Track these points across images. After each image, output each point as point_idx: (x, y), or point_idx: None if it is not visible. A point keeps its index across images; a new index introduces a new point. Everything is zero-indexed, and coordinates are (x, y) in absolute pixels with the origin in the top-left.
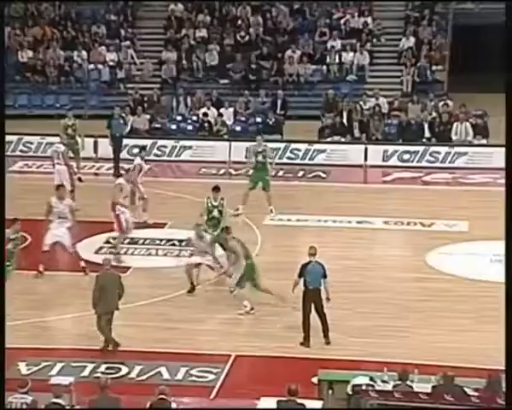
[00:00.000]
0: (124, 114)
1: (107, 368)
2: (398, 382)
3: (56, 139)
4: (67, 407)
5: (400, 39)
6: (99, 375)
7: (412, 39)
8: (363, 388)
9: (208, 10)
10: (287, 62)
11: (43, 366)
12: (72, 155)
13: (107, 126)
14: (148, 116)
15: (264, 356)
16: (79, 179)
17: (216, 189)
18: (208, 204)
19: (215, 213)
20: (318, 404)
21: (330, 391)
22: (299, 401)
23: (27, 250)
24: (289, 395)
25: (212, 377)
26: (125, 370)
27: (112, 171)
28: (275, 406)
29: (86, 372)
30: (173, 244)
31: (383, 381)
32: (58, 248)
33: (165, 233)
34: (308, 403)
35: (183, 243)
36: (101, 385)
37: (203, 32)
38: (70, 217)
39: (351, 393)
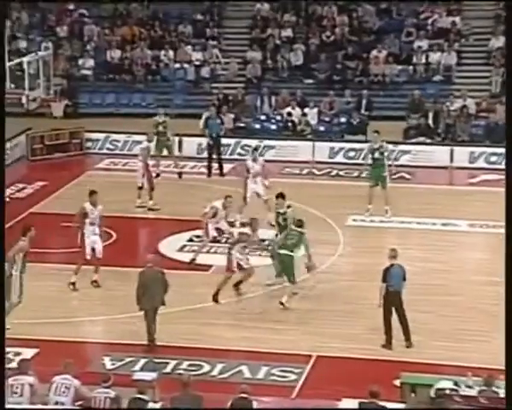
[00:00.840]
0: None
1: (190, 365)
2: (484, 387)
3: (143, 138)
4: (151, 403)
5: (490, 39)
6: (181, 372)
7: (502, 39)
8: (447, 392)
9: (294, 10)
10: (372, 62)
11: (127, 361)
12: (166, 153)
13: (204, 126)
14: (232, 115)
15: (345, 357)
16: (179, 175)
17: (280, 196)
18: (275, 211)
19: (280, 220)
20: (400, 407)
21: (413, 394)
22: (380, 403)
23: (112, 247)
24: (371, 397)
25: (293, 377)
26: (206, 367)
27: (206, 170)
28: (356, 407)
29: (169, 369)
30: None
31: (467, 386)
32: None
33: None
34: (390, 406)
35: (266, 243)
36: (183, 382)
37: (288, 32)
38: (99, 223)
39: (434, 397)
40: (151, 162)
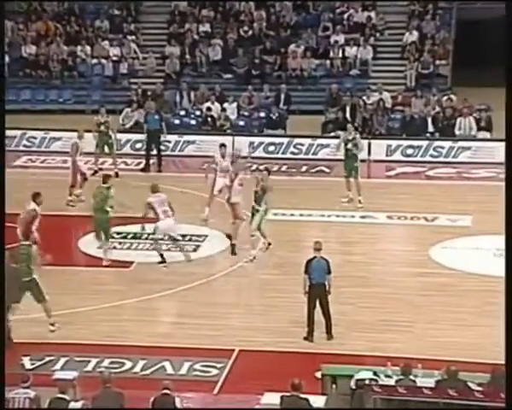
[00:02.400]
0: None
1: (111, 363)
2: (402, 376)
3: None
4: (72, 402)
5: (404, 34)
6: (102, 370)
7: (416, 34)
8: (367, 382)
9: (211, 5)
10: (290, 57)
11: (47, 360)
12: (107, 150)
13: (144, 121)
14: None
15: (267, 351)
16: (116, 175)
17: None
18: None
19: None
20: (322, 399)
21: (334, 386)
22: (302, 395)
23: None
24: (293, 389)
25: (215, 371)
26: (128, 364)
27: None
28: (278, 400)
29: (90, 367)
30: (174, 239)
31: (387, 376)
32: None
33: None
34: (312, 398)
35: (186, 238)
36: (104, 380)
37: (206, 27)
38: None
39: (354, 388)
40: (82, 159)
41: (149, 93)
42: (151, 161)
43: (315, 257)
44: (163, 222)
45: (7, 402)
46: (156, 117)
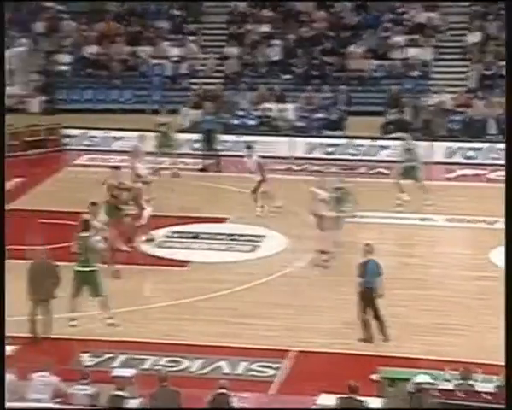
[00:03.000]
0: (185, 111)
1: (168, 361)
2: (461, 381)
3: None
4: (130, 399)
5: (465, 34)
6: (160, 368)
7: (478, 34)
8: (425, 386)
9: (272, 5)
10: (350, 58)
11: (106, 357)
12: (167, 150)
13: (200, 122)
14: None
15: (324, 352)
16: (176, 175)
17: None
18: None
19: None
20: (378, 401)
21: (391, 389)
22: (359, 398)
23: None
24: (349, 391)
25: (271, 372)
26: (185, 363)
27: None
28: (334, 402)
29: (147, 365)
30: (234, 239)
31: (445, 380)
32: None
33: (226, 228)
34: (368, 401)
35: (244, 238)
36: (161, 378)
37: (266, 27)
38: None
39: (412, 391)
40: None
41: (208, 94)
42: (209, 161)
43: (368, 260)
44: None
45: (67, 398)
46: (212, 117)
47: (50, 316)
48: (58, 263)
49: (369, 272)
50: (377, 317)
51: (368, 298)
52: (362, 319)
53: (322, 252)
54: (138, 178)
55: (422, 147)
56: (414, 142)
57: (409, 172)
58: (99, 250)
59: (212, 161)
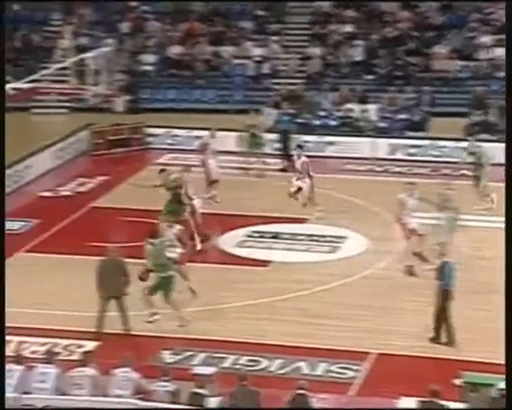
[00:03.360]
0: (265, 112)
1: (248, 360)
2: None
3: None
4: (209, 398)
5: None
6: (239, 367)
7: None
8: None
9: (355, 6)
10: (435, 58)
11: (186, 355)
12: (255, 150)
13: (276, 122)
14: (292, 111)
15: (404, 355)
16: (261, 175)
17: None
18: None
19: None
20: (459, 406)
21: (473, 394)
22: (440, 402)
23: None
24: (431, 395)
25: (351, 373)
26: (265, 363)
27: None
28: (415, 405)
29: (227, 364)
30: (314, 240)
31: None
32: None
33: (307, 228)
34: (450, 405)
35: (324, 239)
36: (241, 377)
37: (349, 28)
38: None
39: (495, 396)
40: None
41: (289, 94)
42: (288, 162)
43: (446, 262)
44: None
45: (148, 394)
46: (287, 118)
47: (126, 313)
48: (136, 260)
49: (445, 275)
50: (446, 320)
51: (445, 300)
52: (440, 322)
53: (420, 258)
54: (209, 176)
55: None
56: (479, 144)
57: (474, 175)
58: (168, 258)
59: (289, 162)
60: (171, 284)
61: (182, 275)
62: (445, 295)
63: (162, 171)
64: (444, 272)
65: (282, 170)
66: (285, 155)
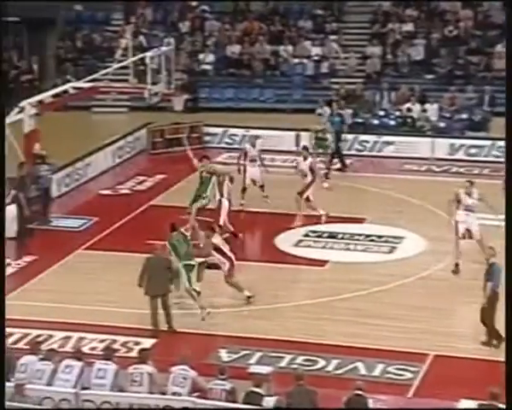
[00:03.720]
0: (321, 111)
1: (305, 360)
2: None
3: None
4: (266, 397)
5: None
6: (296, 366)
7: None
8: None
9: (416, 4)
10: (496, 57)
11: (243, 354)
12: (321, 150)
13: (329, 122)
14: (350, 111)
15: (462, 357)
16: (326, 176)
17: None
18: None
19: None
20: None
21: None
22: (501, 405)
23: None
24: (491, 398)
25: (409, 375)
26: (321, 363)
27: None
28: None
29: (284, 363)
30: (372, 240)
31: None
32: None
33: (365, 228)
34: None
35: (382, 239)
36: (298, 377)
37: (410, 27)
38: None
39: None
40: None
41: (349, 93)
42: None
43: (494, 263)
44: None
45: (205, 393)
46: (338, 118)
47: (170, 311)
48: None
49: (494, 276)
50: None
51: (495, 302)
52: (489, 323)
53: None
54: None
55: None
56: None
57: None
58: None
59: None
60: (191, 272)
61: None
62: (494, 297)
63: (204, 158)
64: (493, 273)
65: (339, 170)
66: (338, 155)
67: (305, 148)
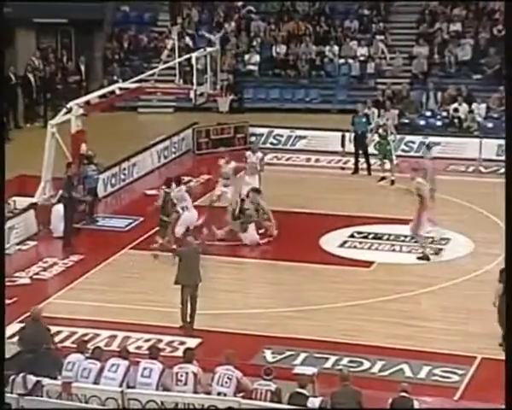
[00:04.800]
0: (369, 112)
1: (350, 361)
2: None
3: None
4: (311, 398)
5: None
6: (341, 368)
7: None
8: None
9: (464, 4)
10: None
11: (288, 354)
12: (380, 155)
13: (351, 123)
14: (397, 111)
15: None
16: (392, 182)
17: None
18: None
19: None
20: None
21: None
22: None
23: (274, 242)
24: None
25: (456, 378)
26: (366, 364)
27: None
28: None
29: (329, 364)
30: (418, 241)
31: None
32: None
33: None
34: None
35: (428, 241)
36: (343, 377)
37: (457, 26)
38: None
39: None
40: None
41: (395, 93)
42: (359, 164)
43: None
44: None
45: (250, 393)
46: (364, 119)
47: (195, 306)
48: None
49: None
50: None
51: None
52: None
53: None
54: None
55: None
56: None
57: None
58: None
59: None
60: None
61: None
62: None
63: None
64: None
65: (354, 172)
66: (365, 156)
67: (253, 144)
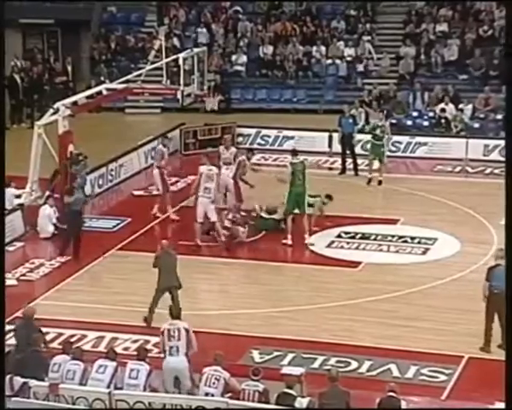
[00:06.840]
0: (356, 112)
1: (337, 361)
2: None
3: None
4: (299, 398)
5: None
6: (329, 368)
7: None
8: None
9: (450, 4)
10: None
11: (275, 355)
12: (371, 156)
13: (338, 124)
14: (384, 112)
15: (497, 360)
16: (379, 182)
17: None
18: None
19: None
20: None
21: None
22: None
23: (261, 242)
24: None
25: (443, 377)
26: (354, 364)
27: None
28: None
29: (316, 364)
30: (405, 241)
31: None
32: None
33: (398, 230)
34: None
35: (415, 241)
36: (331, 378)
37: (444, 27)
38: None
39: None
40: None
41: (382, 94)
42: (346, 164)
43: (497, 265)
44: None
45: (237, 394)
46: (350, 120)
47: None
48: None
49: (495, 277)
50: (501, 324)
51: (497, 304)
52: (487, 325)
53: None
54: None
55: None
56: None
57: None
58: None
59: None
60: None
61: None
62: (494, 298)
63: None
64: (493, 275)
65: (340, 172)
66: (351, 156)
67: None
